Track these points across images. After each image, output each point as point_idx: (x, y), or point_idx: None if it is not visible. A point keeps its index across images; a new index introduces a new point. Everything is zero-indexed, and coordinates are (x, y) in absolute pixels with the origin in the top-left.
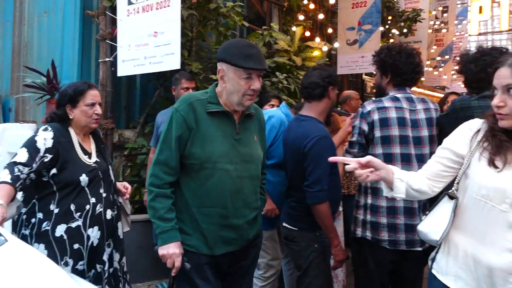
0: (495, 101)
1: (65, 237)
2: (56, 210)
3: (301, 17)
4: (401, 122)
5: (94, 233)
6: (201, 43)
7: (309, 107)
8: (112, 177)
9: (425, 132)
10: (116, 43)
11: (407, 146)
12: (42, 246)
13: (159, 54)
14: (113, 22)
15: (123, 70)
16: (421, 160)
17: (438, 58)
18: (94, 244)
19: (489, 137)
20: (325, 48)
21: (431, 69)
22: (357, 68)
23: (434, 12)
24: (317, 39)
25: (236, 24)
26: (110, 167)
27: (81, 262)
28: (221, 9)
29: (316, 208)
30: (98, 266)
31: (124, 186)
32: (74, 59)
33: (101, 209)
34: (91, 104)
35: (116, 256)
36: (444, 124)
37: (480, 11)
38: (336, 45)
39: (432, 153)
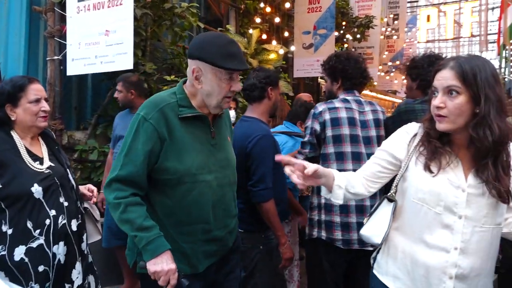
0: (436, 102)
1: (26, 260)
2: (9, 231)
3: (258, 20)
4: (351, 121)
5: (60, 250)
6: (156, 43)
7: (251, 109)
8: (73, 182)
9: (373, 132)
10: (65, 40)
11: (357, 145)
12: (2, 273)
13: (111, 54)
14: (62, 19)
15: (72, 69)
16: None
17: (390, 64)
18: (62, 262)
19: (425, 143)
20: (281, 51)
21: (383, 73)
22: (312, 71)
23: (385, 19)
24: (274, 42)
25: (192, 25)
26: (68, 170)
27: (47, 284)
28: (176, 9)
29: (262, 206)
30: (67, 286)
31: (88, 188)
32: (20, 56)
33: (65, 221)
34: (36, 100)
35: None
36: (390, 126)
37: (428, 20)
38: (292, 48)
39: None
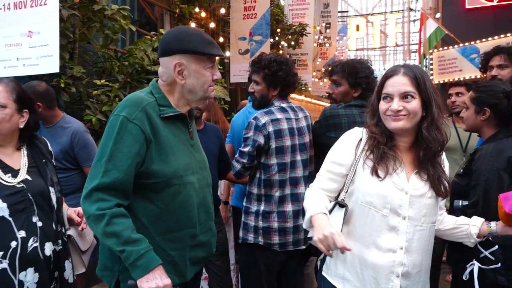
0: (395, 106)
1: None
2: None
3: (193, 25)
4: (291, 132)
5: (29, 277)
6: (85, 46)
7: None
8: (54, 201)
9: (307, 138)
10: None
11: (295, 154)
12: None
13: (35, 56)
14: None
15: None
16: (305, 164)
17: (323, 70)
18: None
19: (373, 148)
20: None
21: (316, 79)
22: None
23: (318, 28)
24: None
25: (124, 28)
26: (52, 188)
27: None
28: (107, 11)
29: None
30: None
31: (78, 213)
32: None
33: (36, 244)
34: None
35: None
36: (317, 130)
37: (357, 29)
38: (228, 54)
39: (312, 156)
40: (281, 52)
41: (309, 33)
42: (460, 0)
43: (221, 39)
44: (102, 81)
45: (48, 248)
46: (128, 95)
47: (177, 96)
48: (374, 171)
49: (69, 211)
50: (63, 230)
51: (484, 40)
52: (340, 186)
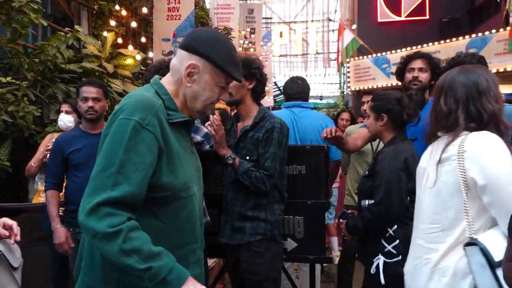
0: None
1: None
2: None
3: (113, 23)
4: None
5: None
6: None
7: None
8: None
9: None
10: None
11: None
12: None
13: None
14: None
15: None
16: None
17: None
18: None
19: None
20: (138, 57)
21: None
22: None
23: (243, 32)
24: (131, 47)
25: (35, 22)
26: None
27: None
28: (14, 3)
29: None
30: None
31: (4, 225)
32: None
33: None
34: None
35: None
36: None
37: (281, 36)
38: (151, 54)
39: None
40: None
41: (234, 38)
42: (373, 14)
43: (143, 40)
44: (8, 78)
45: None
46: (133, 94)
47: (182, 99)
48: None
49: None
50: None
51: (393, 51)
52: None
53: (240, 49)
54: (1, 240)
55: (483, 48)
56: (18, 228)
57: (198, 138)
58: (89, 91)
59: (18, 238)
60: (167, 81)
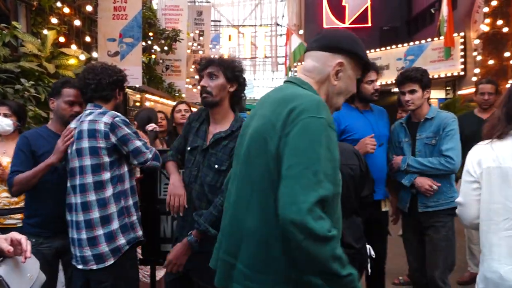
0: None
1: None
2: None
3: (54, 20)
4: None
5: None
6: None
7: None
8: None
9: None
10: None
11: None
12: None
13: None
14: None
15: None
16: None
17: (196, 77)
18: None
19: None
20: (82, 57)
21: (190, 86)
22: None
23: (192, 35)
24: (74, 47)
25: None
26: None
27: None
28: None
29: None
30: None
31: (12, 240)
32: None
33: None
34: None
35: None
36: None
37: (230, 39)
38: (95, 55)
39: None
40: (153, 56)
41: (183, 39)
42: (319, 20)
43: (87, 39)
44: None
45: None
46: (300, 94)
47: (324, 98)
48: None
49: None
50: None
51: None
52: None
53: (188, 51)
54: (5, 261)
55: (419, 55)
56: (28, 242)
57: None
58: (75, 94)
59: (29, 254)
60: (311, 82)
